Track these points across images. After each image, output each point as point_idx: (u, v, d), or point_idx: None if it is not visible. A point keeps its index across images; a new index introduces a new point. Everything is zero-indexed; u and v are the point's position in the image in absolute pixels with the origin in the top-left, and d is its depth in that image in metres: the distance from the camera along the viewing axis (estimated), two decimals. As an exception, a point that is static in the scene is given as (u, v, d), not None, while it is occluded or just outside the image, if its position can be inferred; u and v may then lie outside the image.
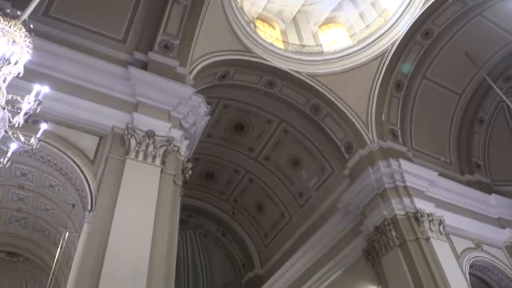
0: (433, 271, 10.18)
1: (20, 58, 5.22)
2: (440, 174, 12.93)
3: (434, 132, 14.73)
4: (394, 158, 12.32)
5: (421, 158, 13.76)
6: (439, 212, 11.76)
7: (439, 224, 11.40)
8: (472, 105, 15.03)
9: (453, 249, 11.36)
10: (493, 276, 12.55)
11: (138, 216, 7.98)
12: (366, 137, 13.32)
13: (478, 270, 12.38)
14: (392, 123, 13.82)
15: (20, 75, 5.48)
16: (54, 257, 11.23)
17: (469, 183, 14.10)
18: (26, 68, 5.65)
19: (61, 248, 10.80)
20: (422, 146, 14.28)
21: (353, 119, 13.62)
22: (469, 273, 11.39)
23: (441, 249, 10.79)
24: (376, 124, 13.49)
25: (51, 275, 11.43)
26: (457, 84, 14.64)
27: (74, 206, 10.52)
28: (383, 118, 13.60)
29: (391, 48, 13.69)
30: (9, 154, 5.56)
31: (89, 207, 8.20)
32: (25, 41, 5.25)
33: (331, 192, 14.88)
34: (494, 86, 13.39)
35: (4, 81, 5.25)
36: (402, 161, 12.22)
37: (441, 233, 11.31)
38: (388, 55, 13.74)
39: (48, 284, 11.75)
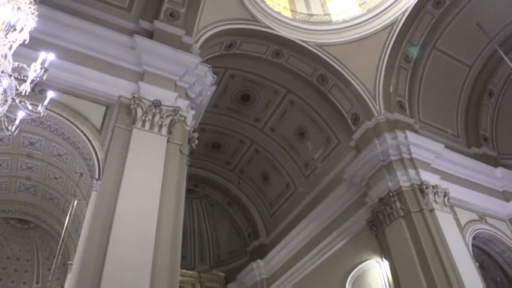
0: (436, 242, 10.28)
1: (25, 25, 5.18)
2: (447, 147, 12.89)
3: (442, 105, 14.59)
4: (401, 130, 12.26)
5: (428, 130, 13.68)
6: (444, 184, 11.78)
7: (444, 196, 11.44)
8: (482, 77, 14.81)
9: (457, 221, 11.43)
10: (495, 248, 12.69)
11: (145, 185, 8.08)
12: (373, 109, 13.23)
13: (481, 242, 12.51)
14: (400, 94, 13.68)
15: (26, 42, 5.46)
16: (64, 224, 11.49)
17: (475, 156, 14.06)
18: (31, 36, 5.62)
19: (70, 215, 11.02)
20: (429, 118, 14.17)
21: (360, 90, 13.49)
22: (472, 244, 11.51)
23: (445, 221, 10.86)
24: (384, 95, 13.37)
25: (60, 241, 11.71)
26: (468, 55, 14.38)
27: (81, 174, 10.65)
28: (391, 89, 13.46)
29: (401, 17, 13.38)
30: (17, 122, 5.60)
31: (97, 176, 8.32)
32: (30, 7, 5.20)
33: (336, 163, 14.91)
34: (506, 58, 13.11)
35: (10, 48, 5.24)
36: (409, 133, 12.16)
37: (445, 205, 11.37)
38: (398, 25, 13.45)
39: (58, 250, 12.06)
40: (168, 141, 9.03)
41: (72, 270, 8.73)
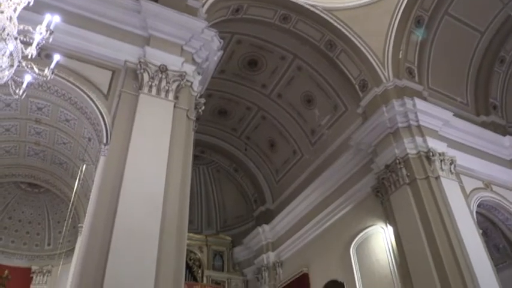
0: (441, 209, 10.35)
1: (29, -13, 5.11)
2: (455, 115, 12.77)
3: (452, 72, 14.36)
4: (409, 97, 12.12)
5: (436, 98, 13.52)
6: (451, 152, 11.75)
7: (450, 164, 11.43)
8: (494, 44, 14.48)
9: (462, 188, 11.47)
10: (499, 216, 12.78)
11: (153, 150, 8.16)
12: (382, 75, 13.04)
13: (485, 210, 12.59)
14: (410, 61, 13.46)
15: (30, 5, 5.40)
16: (73, 188, 11.68)
17: (483, 124, 13.94)
18: (35, -1, 5.55)
19: (79, 180, 11.19)
20: (438, 86, 13.98)
21: (369, 56, 13.25)
22: (476, 212, 11.59)
23: (450, 188, 10.90)
24: (393, 62, 13.15)
25: (70, 205, 11.95)
26: (480, 21, 14.01)
27: (89, 139, 10.74)
28: (400, 56, 13.22)
29: (413, -19, 13.00)
30: (24, 86, 5.61)
31: (105, 141, 8.39)
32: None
33: (343, 130, 14.88)
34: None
35: (15, 10, 5.18)
36: (417, 100, 12.03)
37: (451, 173, 11.38)
38: (409, -12, 13.08)
39: (68, 214, 12.33)
40: (174, 106, 9.03)
41: (82, 233, 8.96)
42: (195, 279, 17.38)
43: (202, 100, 10.40)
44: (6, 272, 15.27)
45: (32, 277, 16.14)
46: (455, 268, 9.45)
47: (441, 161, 11.29)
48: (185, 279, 8.14)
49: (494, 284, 9.65)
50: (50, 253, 16.43)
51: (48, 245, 16.78)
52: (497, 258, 12.70)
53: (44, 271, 16.24)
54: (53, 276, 15.81)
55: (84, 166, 10.99)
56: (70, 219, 13.01)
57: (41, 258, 16.53)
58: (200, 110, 10.30)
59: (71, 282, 8.93)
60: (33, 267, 16.29)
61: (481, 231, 10.85)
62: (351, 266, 12.89)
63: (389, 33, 13.24)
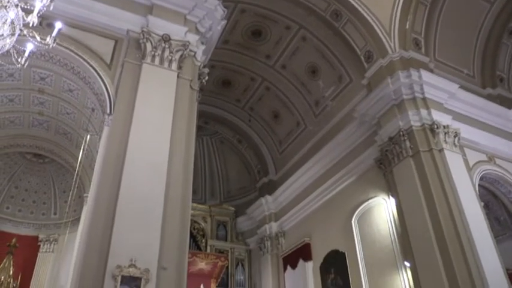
0: (444, 181, 10.37)
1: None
2: (461, 87, 12.61)
3: (459, 43, 14.10)
4: (415, 68, 11.95)
5: (443, 70, 13.34)
6: (456, 125, 11.68)
7: (454, 137, 11.39)
8: (503, 15, 14.16)
9: (465, 161, 11.45)
10: (501, 189, 12.83)
11: (156, 119, 8.18)
12: (388, 46, 12.81)
13: (488, 182, 12.63)
14: (416, 32, 13.20)
15: (30, -29, 5.30)
16: (78, 158, 11.78)
17: (489, 97, 13.80)
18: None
19: (83, 150, 11.26)
20: (445, 57, 13.76)
21: (375, 27, 12.98)
22: (479, 185, 11.62)
23: (454, 161, 10.90)
24: (399, 33, 12.89)
25: (75, 175, 12.06)
26: (490, -9, 13.71)
27: (93, 110, 10.75)
28: (407, 26, 12.96)
29: None
30: (26, 54, 5.57)
31: (108, 111, 8.40)
32: None
33: (347, 102, 14.78)
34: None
35: (15, -23, 5.09)
36: (423, 72, 11.87)
37: (455, 145, 11.35)
38: (418, -44, 12.72)
39: (73, 183, 12.47)
40: (178, 76, 9.00)
41: (87, 202, 9.09)
42: (199, 248, 17.70)
43: (206, 70, 10.32)
44: (14, 240, 15.60)
45: (39, 245, 16.49)
46: (455, 239, 9.56)
47: (445, 133, 11.25)
48: (189, 248, 8.28)
49: (494, 254, 9.78)
50: (56, 222, 16.72)
51: (55, 214, 17.05)
52: (497, 230, 12.82)
53: (51, 239, 16.57)
54: (60, 245, 16.14)
55: (89, 136, 11.05)
56: (75, 189, 13.16)
57: (48, 227, 16.84)
58: (204, 81, 10.25)
59: (77, 250, 9.10)
60: (41, 236, 16.62)
61: (482, 203, 10.91)
62: (353, 236, 13.06)
63: (397, 3, 12.94)
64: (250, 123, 18.75)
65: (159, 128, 8.10)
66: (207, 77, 10.37)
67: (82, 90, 10.62)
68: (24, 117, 13.22)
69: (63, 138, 14.05)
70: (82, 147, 11.22)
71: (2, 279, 14.63)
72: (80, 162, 11.54)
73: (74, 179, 12.35)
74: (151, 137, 7.91)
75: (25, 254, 15.79)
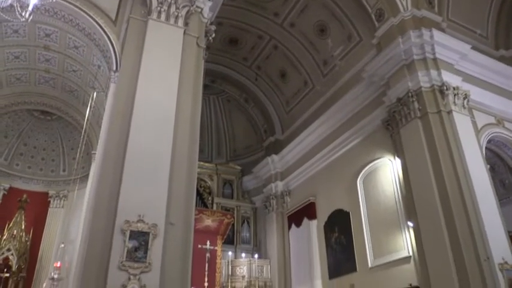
0: (450, 143, 10.33)
1: None
2: (473, 48, 12.30)
3: (474, 2, 13.64)
4: (427, 28, 11.63)
5: (455, 30, 12.97)
6: (466, 86, 11.50)
7: (464, 98, 11.24)
8: (521, -28, 13.64)
9: (474, 123, 11.35)
10: (508, 152, 12.79)
11: (163, 76, 8.12)
12: (400, 4, 12.40)
13: (495, 145, 12.58)
14: (430, -11, 12.78)
15: None
16: (85, 115, 11.83)
17: (502, 59, 13.48)
18: None
19: (90, 107, 11.29)
20: (458, 17, 13.35)
21: (388, -17, 12.57)
22: (486, 147, 11.57)
23: (462, 123, 10.80)
24: (412, -11, 12.48)
25: (83, 132, 12.15)
26: None
27: (99, 67, 10.69)
28: (420, -17, 12.53)
29: None
30: (29, 8, 5.47)
31: (114, 68, 8.34)
32: None
33: (356, 61, 14.52)
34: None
35: None
36: (435, 32, 11.54)
37: (464, 107, 11.22)
38: None
39: (81, 140, 12.59)
40: (184, 33, 8.85)
41: (95, 160, 9.19)
42: (205, 206, 18.04)
43: (213, 27, 10.12)
44: (24, 196, 15.96)
45: (50, 201, 16.88)
46: (459, 201, 9.63)
47: (455, 95, 11.10)
48: (196, 206, 8.42)
49: (497, 217, 9.86)
50: (65, 178, 17.02)
51: (64, 171, 17.33)
52: (502, 193, 12.87)
53: (61, 195, 16.94)
54: (69, 201, 16.51)
55: (95, 93, 11.04)
56: (83, 146, 13.30)
57: (57, 184, 17.17)
58: (210, 38, 10.07)
59: (86, 206, 9.30)
60: (50, 192, 16.99)
61: (488, 166, 10.91)
62: (357, 196, 13.21)
63: (410, -42, 12.44)
64: (257, 82, 18.57)
65: (166, 85, 8.05)
66: (213, 35, 10.18)
67: (88, 47, 10.52)
68: (31, 75, 13.19)
69: (70, 95, 14.06)
70: (89, 105, 11.24)
71: (15, 233, 15.09)
72: (87, 119, 11.59)
73: (82, 136, 12.46)
74: (158, 94, 7.88)
75: (36, 209, 16.20)
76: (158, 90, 7.91)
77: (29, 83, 13.68)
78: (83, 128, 12.33)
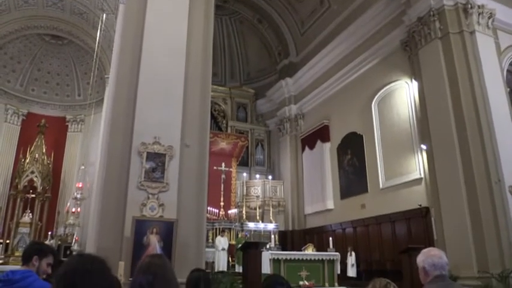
0: (471, 65, 10.02)
1: None
2: (502, -39, 11.44)
3: None
4: None
5: None
6: (492, 5, 10.86)
7: (489, 18, 10.69)
8: None
9: (497, 44, 10.89)
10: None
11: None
12: None
13: (517, 68, 12.15)
14: None
15: None
16: (95, 39, 11.61)
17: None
18: None
19: (100, 30, 11.06)
20: None
21: None
22: (507, 70, 11.19)
23: (484, 44, 10.38)
24: None
25: (95, 56, 12.02)
26: None
27: (107, -14, 10.30)
28: None
29: None
30: None
31: (123, -12, 8.02)
32: None
33: (376, -22, 13.72)
34: None
35: None
36: None
37: (488, 28, 10.71)
38: None
39: (93, 64, 12.50)
40: (193, -50, 8.34)
41: (109, 83, 9.19)
42: (220, 129, 18.26)
43: None
44: (43, 120, 16.27)
45: (67, 125, 17.22)
46: (475, 124, 9.55)
47: (479, 14, 10.54)
48: (210, 129, 8.50)
49: (512, 141, 9.78)
50: (81, 103, 17.20)
51: (79, 95, 17.45)
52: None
53: (78, 120, 17.25)
54: (87, 125, 16.83)
55: (105, 15, 10.76)
56: (96, 70, 13.24)
57: (74, 108, 17.40)
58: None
59: (103, 129, 9.46)
60: (68, 117, 17.29)
61: (508, 89, 10.63)
62: (371, 119, 13.17)
63: None
64: (270, 2, 17.79)
65: (177, 5, 7.77)
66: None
67: (94, -35, 10.09)
68: (38, -3, 12.85)
69: (80, 18, 13.76)
70: (99, 27, 11.00)
71: (37, 157, 15.61)
72: (98, 42, 11.41)
73: (94, 60, 12.34)
74: (169, 14, 7.64)
75: (55, 134, 16.59)
76: (169, 11, 7.66)
77: (37, 5, 13.36)
78: (94, 52, 12.19)
